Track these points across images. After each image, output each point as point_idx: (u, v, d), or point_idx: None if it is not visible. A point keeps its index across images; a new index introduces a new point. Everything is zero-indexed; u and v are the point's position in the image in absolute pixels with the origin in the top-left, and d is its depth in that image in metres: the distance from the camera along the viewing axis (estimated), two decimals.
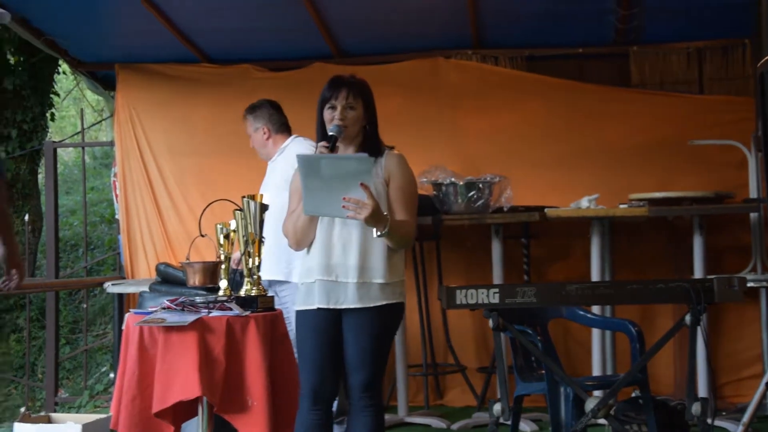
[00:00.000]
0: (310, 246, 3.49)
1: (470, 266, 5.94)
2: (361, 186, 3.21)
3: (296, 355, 3.85)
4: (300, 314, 3.51)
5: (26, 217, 8.66)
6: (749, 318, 5.64)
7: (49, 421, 4.72)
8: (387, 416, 5.25)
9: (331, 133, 3.39)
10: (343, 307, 3.39)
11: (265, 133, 4.96)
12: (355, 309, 3.37)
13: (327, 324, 3.43)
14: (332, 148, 3.37)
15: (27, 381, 7.53)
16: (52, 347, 6.39)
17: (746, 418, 4.34)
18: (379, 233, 3.30)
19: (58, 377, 6.48)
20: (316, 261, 3.43)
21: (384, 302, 3.38)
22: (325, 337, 3.43)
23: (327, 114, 3.46)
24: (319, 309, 3.42)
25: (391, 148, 3.57)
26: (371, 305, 3.37)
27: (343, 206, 3.23)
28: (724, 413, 5.15)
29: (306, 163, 3.33)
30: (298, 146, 4.76)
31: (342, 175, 3.26)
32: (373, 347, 3.41)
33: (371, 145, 3.47)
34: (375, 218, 3.23)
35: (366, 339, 3.39)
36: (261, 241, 4.18)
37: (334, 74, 3.59)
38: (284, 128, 4.99)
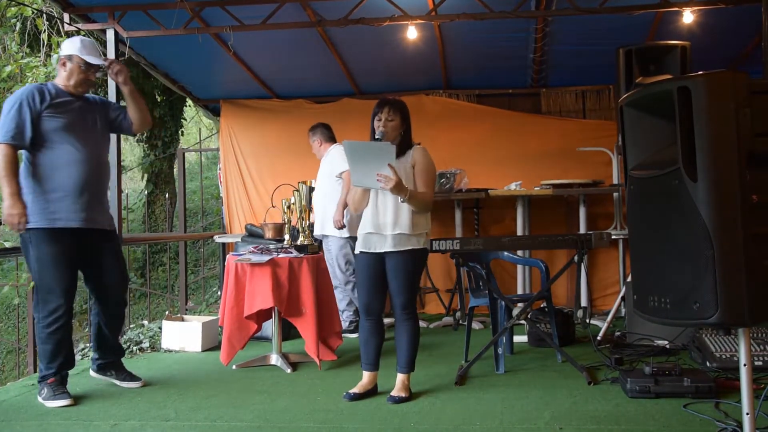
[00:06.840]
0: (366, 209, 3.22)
1: (442, 226, 5.87)
2: (388, 166, 2.98)
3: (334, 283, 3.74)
4: (358, 255, 3.21)
5: (166, 195, 8.64)
6: (612, 257, 5.61)
7: (182, 320, 4.70)
8: (387, 320, 5.24)
9: (377, 136, 3.12)
10: (384, 251, 3.12)
11: (318, 142, 4.93)
12: (392, 252, 3.10)
13: (374, 262, 3.14)
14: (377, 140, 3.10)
15: (168, 295, 7.53)
16: (183, 275, 6.39)
17: (609, 318, 4.36)
18: (402, 200, 3.04)
19: (187, 294, 6.48)
20: (368, 219, 3.16)
21: (410, 248, 3.09)
22: (373, 271, 3.15)
23: (375, 123, 3.16)
24: (370, 252, 3.15)
25: (418, 143, 3.26)
26: (402, 249, 3.09)
27: (377, 179, 2.99)
28: (596, 315, 5.13)
29: (350, 148, 3.03)
30: (335, 149, 4.76)
31: (374, 156, 2.97)
32: (406, 279, 3.11)
33: (405, 142, 3.19)
34: (398, 188, 2.97)
35: (400, 273, 3.10)
36: (310, 210, 4.16)
37: (380, 98, 3.24)
38: (330, 139, 4.94)
